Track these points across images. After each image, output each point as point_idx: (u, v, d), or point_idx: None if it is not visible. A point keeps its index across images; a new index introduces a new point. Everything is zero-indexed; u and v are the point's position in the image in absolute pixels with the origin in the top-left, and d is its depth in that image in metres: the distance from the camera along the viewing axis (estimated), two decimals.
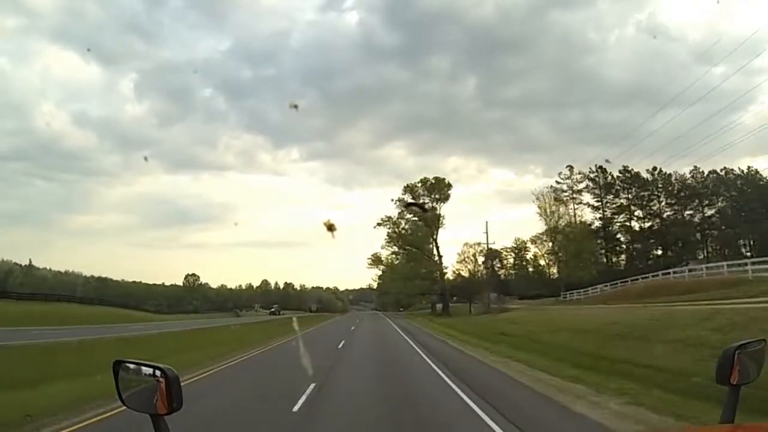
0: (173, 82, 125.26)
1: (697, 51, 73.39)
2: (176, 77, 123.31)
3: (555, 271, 64.71)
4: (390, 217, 64.01)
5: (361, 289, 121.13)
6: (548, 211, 56.35)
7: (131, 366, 1.64)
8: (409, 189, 64.22)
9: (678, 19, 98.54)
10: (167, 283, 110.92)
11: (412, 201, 58.23)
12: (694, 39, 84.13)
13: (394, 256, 65.38)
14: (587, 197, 66.37)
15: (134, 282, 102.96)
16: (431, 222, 62.20)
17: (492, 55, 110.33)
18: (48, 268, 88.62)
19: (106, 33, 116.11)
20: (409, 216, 62.61)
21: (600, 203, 66.19)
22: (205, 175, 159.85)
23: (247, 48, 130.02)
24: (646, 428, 6.01)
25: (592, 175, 65.74)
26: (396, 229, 63.36)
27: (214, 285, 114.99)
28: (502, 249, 67.92)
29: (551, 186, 61.32)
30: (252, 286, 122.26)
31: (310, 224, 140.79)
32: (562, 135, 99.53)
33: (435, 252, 64.26)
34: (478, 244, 59.68)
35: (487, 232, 53.87)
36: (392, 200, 64.41)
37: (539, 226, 59.18)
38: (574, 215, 61.62)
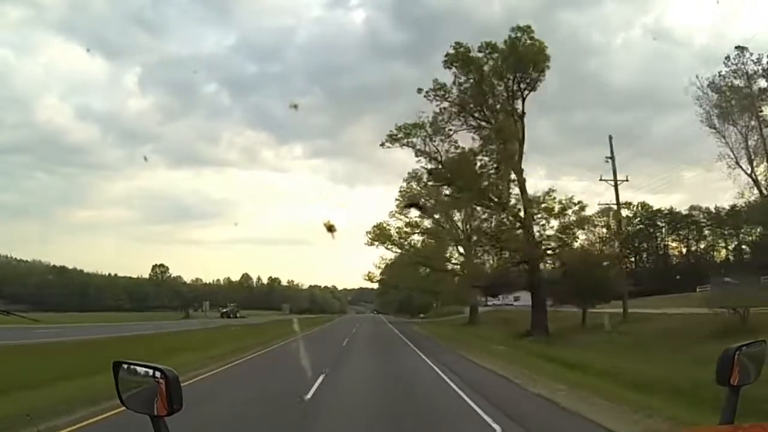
0: (177, 77, 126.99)
1: (703, 54, 73.89)
2: (180, 72, 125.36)
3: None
4: (419, 124, 29.75)
5: (361, 288, 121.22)
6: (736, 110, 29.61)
7: (131, 367, 1.72)
8: (459, 57, 28.46)
9: (684, 23, 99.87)
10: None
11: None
12: (701, 42, 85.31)
13: (409, 229, 36.60)
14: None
15: (97, 274, 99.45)
16: (508, 134, 28.50)
17: None
18: (8, 255, 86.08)
19: (111, 26, 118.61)
20: (455, 125, 29.64)
21: None
22: (206, 171, 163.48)
23: (252, 44, 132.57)
24: (645, 428, 6.17)
25: None
26: (431, 150, 30.00)
27: (188, 279, 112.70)
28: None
29: (712, 81, 32.25)
30: (230, 281, 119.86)
31: (310, 222, 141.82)
32: (565, 137, 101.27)
33: (519, 196, 29.52)
34: None
35: (612, 157, 29.75)
36: (418, 91, 29.50)
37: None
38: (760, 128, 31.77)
